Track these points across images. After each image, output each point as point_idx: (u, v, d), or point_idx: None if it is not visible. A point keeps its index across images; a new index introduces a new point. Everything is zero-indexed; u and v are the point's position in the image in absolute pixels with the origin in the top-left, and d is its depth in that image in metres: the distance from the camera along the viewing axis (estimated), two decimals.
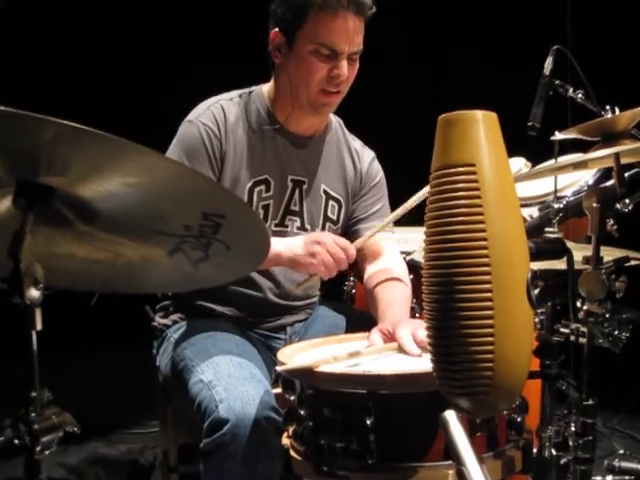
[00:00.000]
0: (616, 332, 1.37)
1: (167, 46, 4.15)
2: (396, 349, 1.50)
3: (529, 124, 2.22)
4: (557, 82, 2.25)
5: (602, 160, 1.50)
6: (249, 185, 1.88)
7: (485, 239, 0.98)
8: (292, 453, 1.38)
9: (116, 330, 3.86)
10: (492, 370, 0.98)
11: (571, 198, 2.02)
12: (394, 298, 1.85)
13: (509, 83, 3.59)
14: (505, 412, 1.32)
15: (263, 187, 1.90)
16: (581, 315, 1.39)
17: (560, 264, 1.26)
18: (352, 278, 2.52)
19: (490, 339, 0.98)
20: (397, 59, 4.23)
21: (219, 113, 1.87)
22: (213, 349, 1.75)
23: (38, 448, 1.00)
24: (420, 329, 1.46)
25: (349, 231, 2.05)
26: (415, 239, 2.29)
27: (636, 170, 1.63)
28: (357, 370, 1.36)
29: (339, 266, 1.73)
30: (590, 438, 1.41)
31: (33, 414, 1.01)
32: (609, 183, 1.41)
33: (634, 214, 1.47)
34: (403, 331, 1.50)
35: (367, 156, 2.08)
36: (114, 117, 2.74)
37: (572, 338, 1.44)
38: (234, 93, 1.96)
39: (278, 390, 1.43)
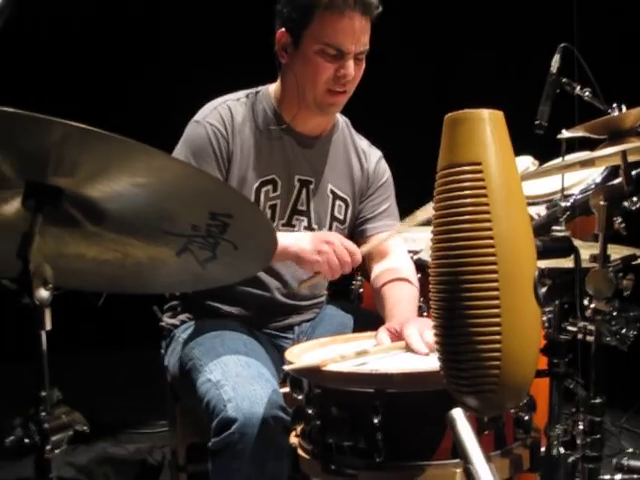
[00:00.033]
0: (624, 330, 1.36)
1: (173, 47, 4.16)
2: (403, 348, 1.50)
3: (536, 122, 2.22)
4: (564, 80, 2.25)
5: (609, 158, 1.50)
6: (256, 185, 1.89)
7: (492, 237, 0.98)
8: (300, 452, 1.38)
9: (124, 330, 3.87)
10: (499, 368, 0.98)
11: (578, 196, 2.01)
12: (401, 297, 1.85)
13: (516, 81, 3.59)
14: (513, 410, 1.32)
15: (270, 187, 1.90)
16: (588, 313, 1.39)
17: (568, 262, 1.26)
18: (359, 277, 2.52)
19: (497, 337, 0.98)
20: (404, 58, 4.23)
21: (226, 113, 1.88)
22: (221, 349, 1.76)
23: (48, 447, 1.01)
24: (427, 328, 1.47)
25: (356, 231, 2.05)
26: (422, 238, 2.29)
27: None
28: (364, 369, 1.36)
29: (343, 269, 1.73)
30: (598, 436, 1.41)
31: (43, 413, 1.01)
32: (616, 181, 1.41)
33: None
34: (410, 330, 1.51)
35: (374, 156, 2.08)
36: (120, 118, 2.75)
37: (580, 336, 1.44)
38: (241, 93, 1.96)
39: (286, 389, 1.44)
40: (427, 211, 1.64)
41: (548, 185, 2.39)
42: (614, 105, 2.10)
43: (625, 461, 1.85)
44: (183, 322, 1.97)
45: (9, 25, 1.01)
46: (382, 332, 1.57)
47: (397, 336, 1.54)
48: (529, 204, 2.36)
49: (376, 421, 1.23)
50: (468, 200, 1.00)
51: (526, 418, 1.33)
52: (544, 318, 1.53)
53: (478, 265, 0.99)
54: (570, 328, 1.47)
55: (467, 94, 2.15)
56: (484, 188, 0.99)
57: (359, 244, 2.04)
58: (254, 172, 1.89)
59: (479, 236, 0.99)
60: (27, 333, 1.03)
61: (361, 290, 2.55)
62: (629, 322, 1.38)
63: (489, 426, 1.25)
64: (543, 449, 1.43)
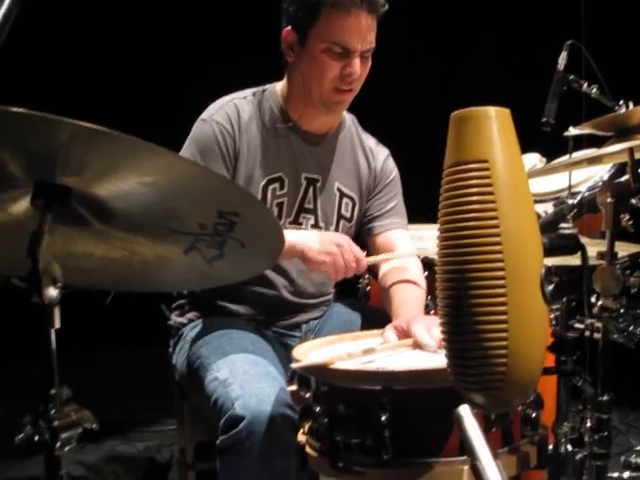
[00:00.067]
0: (631, 327, 1.37)
1: (180, 46, 4.16)
2: (410, 346, 1.51)
3: (543, 120, 2.21)
4: (571, 77, 2.24)
5: (616, 155, 1.50)
6: (263, 183, 1.89)
7: (498, 235, 0.98)
8: (308, 450, 1.38)
9: (132, 329, 3.88)
10: (506, 365, 0.98)
11: (586, 194, 2.02)
12: (408, 297, 1.85)
13: (523, 79, 3.58)
14: (520, 408, 1.32)
15: (277, 185, 1.91)
16: (596, 311, 1.39)
17: (575, 260, 1.26)
18: (367, 275, 2.52)
19: (504, 334, 0.98)
20: (410, 56, 4.23)
21: (232, 112, 1.88)
22: (229, 347, 1.76)
23: (58, 444, 1.01)
24: (434, 326, 1.47)
25: (363, 229, 2.05)
26: (429, 236, 2.29)
27: None
28: (371, 367, 1.37)
29: (346, 273, 1.75)
30: (605, 434, 1.41)
31: (53, 411, 1.02)
32: (623, 178, 1.41)
33: None
34: (418, 326, 1.51)
35: (381, 154, 2.08)
36: (127, 117, 2.75)
37: (587, 334, 1.44)
38: (248, 92, 1.96)
39: (293, 387, 1.44)
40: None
41: (555, 182, 2.38)
42: (621, 102, 2.10)
43: (633, 458, 1.85)
44: (191, 321, 1.98)
45: (17, 25, 1.02)
46: (389, 330, 1.57)
47: (404, 334, 1.54)
48: (536, 202, 2.36)
49: (383, 418, 1.23)
50: (475, 198, 1.00)
51: (533, 415, 1.33)
52: (551, 316, 1.53)
53: (485, 262, 0.99)
54: (577, 325, 1.47)
55: (474, 92, 2.15)
56: (490, 186, 0.99)
57: (367, 243, 2.05)
58: (261, 170, 1.89)
59: (486, 234, 0.99)
60: (36, 331, 1.04)
61: (368, 288, 2.55)
62: (636, 319, 1.38)
63: (496, 423, 1.25)
64: (551, 447, 1.44)
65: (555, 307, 1.52)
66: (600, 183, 2.29)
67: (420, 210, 2.12)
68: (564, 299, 1.48)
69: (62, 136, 0.92)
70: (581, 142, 2.03)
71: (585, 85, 2.24)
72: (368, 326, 1.81)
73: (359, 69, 1.80)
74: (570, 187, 1.92)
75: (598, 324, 1.40)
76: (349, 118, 2.07)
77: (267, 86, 1.98)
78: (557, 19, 3.66)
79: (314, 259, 1.75)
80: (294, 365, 1.37)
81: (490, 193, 1.00)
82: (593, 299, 1.39)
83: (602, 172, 2.34)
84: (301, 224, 1.95)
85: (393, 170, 2.09)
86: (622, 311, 1.37)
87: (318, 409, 1.34)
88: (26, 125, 0.90)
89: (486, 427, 1.22)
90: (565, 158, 1.99)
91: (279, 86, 1.97)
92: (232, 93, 1.95)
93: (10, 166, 0.99)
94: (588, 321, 1.42)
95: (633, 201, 1.41)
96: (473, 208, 1.00)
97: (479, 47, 4.18)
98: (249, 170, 1.88)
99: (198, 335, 1.89)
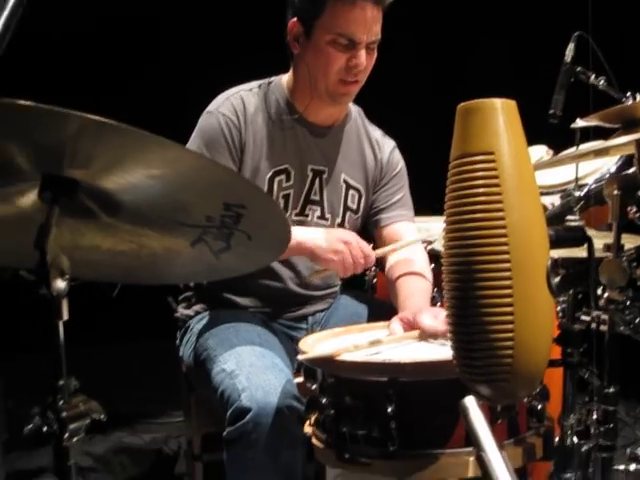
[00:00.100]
0: (637, 319, 1.37)
1: (187, 38, 4.16)
2: (416, 337, 1.51)
3: (550, 112, 2.20)
4: (578, 69, 2.23)
5: (623, 147, 1.49)
6: (269, 175, 1.89)
7: (504, 227, 0.99)
8: (314, 441, 1.39)
9: (139, 321, 3.89)
10: (512, 357, 0.98)
11: (593, 186, 2.01)
12: (415, 290, 1.85)
13: (530, 70, 3.56)
14: (526, 399, 1.32)
15: (283, 177, 1.91)
16: (602, 303, 1.39)
17: (581, 252, 1.26)
18: (374, 268, 2.53)
19: (510, 326, 0.98)
20: (416, 48, 4.21)
21: (238, 104, 1.88)
22: (235, 339, 1.77)
23: (66, 435, 1.02)
24: (440, 314, 1.47)
25: (370, 221, 2.06)
26: (435, 228, 2.29)
27: None
28: (378, 358, 1.37)
29: (355, 270, 1.75)
30: (611, 425, 1.41)
31: (61, 402, 1.02)
32: (630, 170, 1.41)
33: None
34: (424, 315, 1.52)
35: (388, 145, 2.08)
36: (134, 110, 2.75)
37: (593, 326, 1.44)
38: (253, 84, 1.97)
39: (300, 379, 1.45)
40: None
41: (562, 175, 2.38)
42: (628, 94, 2.09)
43: (639, 451, 1.85)
44: (197, 313, 1.99)
45: (25, 19, 1.02)
46: (395, 322, 1.58)
47: (410, 326, 1.55)
48: (543, 194, 2.36)
49: (389, 410, 1.24)
50: (481, 190, 1.00)
51: (539, 407, 1.33)
52: (558, 308, 1.53)
53: (491, 254, 0.99)
54: (584, 318, 1.47)
55: (480, 83, 2.14)
56: (497, 178, 0.99)
57: (374, 235, 2.05)
58: (267, 162, 1.89)
59: (492, 225, 0.99)
60: (45, 323, 1.05)
61: (375, 280, 2.56)
62: None
63: (502, 415, 1.25)
64: (557, 439, 1.44)
65: (562, 299, 1.52)
66: (607, 175, 2.28)
67: (426, 202, 2.12)
68: (570, 291, 1.48)
69: (70, 129, 0.92)
70: (588, 134, 2.02)
71: (592, 77, 2.23)
72: (374, 318, 1.82)
73: (365, 61, 1.80)
74: (577, 179, 1.92)
75: (604, 316, 1.40)
76: (355, 110, 2.06)
77: (273, 78, 1.98)
78: (564, 10, 3.64)
79: (322, 257, 1.76)
80: (301, 357, 1.38)
81: (496, 185, 1.00)
82: (599, 291, 1.39)
83: (609, 164, 2.33)
84: (307, 216, 1.96)
85: (399, 162, 2.08)
86: (628, 303, 1.37)
87: (324, 401, 1.34)
88: (34, 118, 0.90)
89: (492, 419, 1.22)
90: (572, 150, 1.98)
91: (285, 78, 1.97)
92: (238, 85, 1.95)
93: (18, 159, 1.00)
94: (594, 313, 1.42)
95: None
96: (479, 200, 1.00)
97: (486, 39, 4.16)
98: (255, 162, 1.88)
99: (205, 327, 1.90)
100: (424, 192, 2.14)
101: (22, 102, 0.85)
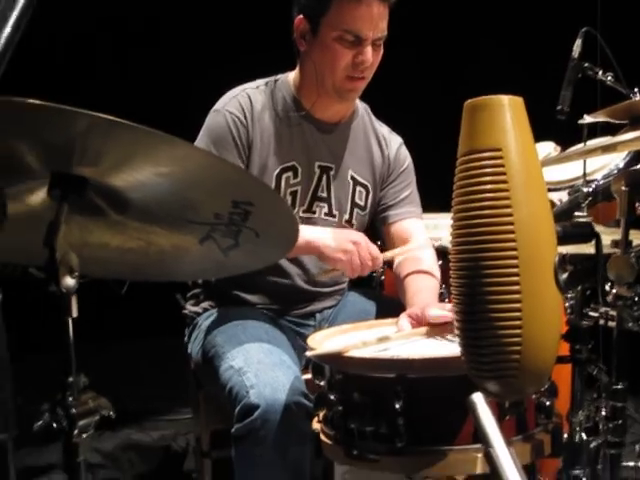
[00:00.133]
0: None
1: (193, 37, 4.16)
2: (424, 334, 1.51)
3: (558, 108, 2.20)
4: (586, 65, 2.22)
5: (631, 143, 1.49)
6: (277, 172, 1.90)
7: (512, 223, 0.99)
8: (322, 437, 1.40)
9: (148, 318, 3.91)
10: (520, 353, 0.99)
11: (600, 182, 2.00)
12: (423, 287, 1.85)
13: (537, 66, 3.55)
14: (534, 396, 1.32)
15: (291, 174, 1.91)
16: (610, 299, 1.39)
17: (589, 248, 1.25)
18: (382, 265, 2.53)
19: (518, 322, 0.98)
20: (422, 44, 4.20)
21: (245, 101, 1.89)
22: (243, 336, 1.77)
23: (75, 431, 1.03)
24: (447, 308, 1.48)
25: (378, 218, 2.06)
26: (443, 225, 2.29)
27: None
28: (386, 355, 1.37)
29: (363, 271, 1.75)
30: (620, 422, 1.41)
31: (70, 399, 1.03)
32: (638, 166, 1.40)
33: None
34: (432, 309, 1.52)
35: (394, 142, 2.08)
36: (142, 108, 2.76)
37: (601, 322, 1.44)
38: (260, 81, 1.97)
39: (308, 376, 1.45)
40: None
41: (570, 171, 2.37)
42: (636, 90, 2.08)
43: None
44: (206, 310, 1.99)
45: (36, 18, 1.03)
46: (403, 318, 1.58)
47: (418, 322, 1.55)
48: (551, 190, 2.35)
49: (397, 406, 1.24)
50: (488, 186, 1.00)
51: (547, 403, 1.33)
52: (566, 304, 1.53)
53: (498, 251, 0.99)
54: (592, 314, 1.47)
55: (487, 80, 2.14)
56: (504, 174, 1.00)
57: (382, 232, 2.05)
58: (274, 159, 1.89)
59: (499, 222, 0.99)
60: (54, 320, 1.05)
61: (383, 277, 2.55)
62: None
63: (510, 411, 1.25)
64: (565, 435, 1.44)
65: (570, 295, 1.52)
66: (615, 171, 2.28)
67: (434, 199, 2.11)
68: (579, 287, 1.48)
69: (79, 127, 0.92)
70: (595, 130, 2.02)
71: (600, 73, 2.22)
72: (383, 315, 1.82)
73: (371, 57, 1.80)
74: (585, 175, 1.91)
75: (612, 312, 1.40)
76: (362, 106, 2.06)
77: (279, 76, 1.98)
78: (572, 6, 3.63)
79: (330, 256, 1.76)
80: (309, 353, 1.38)
81: (504, 181, 1.00)
82: (607, 287, 1.38)
83: (617, 160, 2.32)
84: (315, 212, 1.96)
85: (407, 158, 2.08)
86: (636, 299, 1.37)
87: (333, 397, 1.35)
88: (43, 117, 0.91)
89: (500, 415, 1.22)
90: (580, 146, 1.98)
91: (291, 75, 1.97)
92: (245, 83, 1.96)
93: (27, 157, 1.00)
94: (602, 309, 1.42)
95: None
96: (487, 196, 1.00)
97: (493, 35, 4.15)
98: (263, 159, 1.88)
99: (213, 324, 1.90)
100: (432, 189, 2.14)
101: (32, 101, 0.86)
